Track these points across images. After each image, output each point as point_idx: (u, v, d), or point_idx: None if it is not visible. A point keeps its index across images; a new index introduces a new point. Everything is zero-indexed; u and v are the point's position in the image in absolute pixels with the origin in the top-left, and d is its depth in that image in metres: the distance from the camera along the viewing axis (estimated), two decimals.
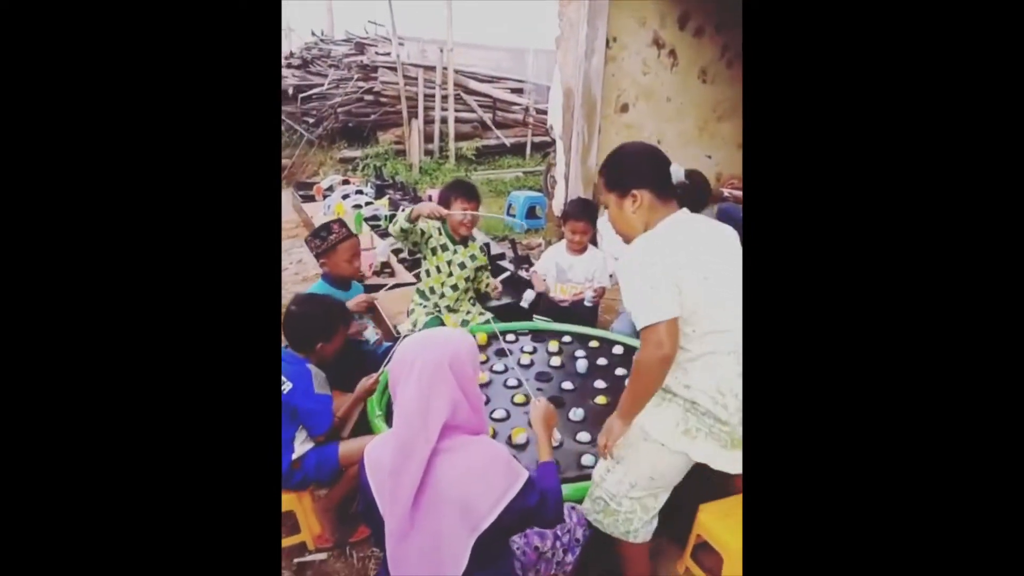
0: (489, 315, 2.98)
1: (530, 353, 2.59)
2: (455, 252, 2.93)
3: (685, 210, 1.51)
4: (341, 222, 2.55)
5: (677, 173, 1.49)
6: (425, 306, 2.96)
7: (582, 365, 2.44)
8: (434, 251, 2.93)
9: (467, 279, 2.97)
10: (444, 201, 2.92)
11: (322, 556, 1.92)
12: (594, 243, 3.36)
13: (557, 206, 5.32)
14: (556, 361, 2.51)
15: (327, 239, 2.48)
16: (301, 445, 1.92)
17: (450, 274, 2.95)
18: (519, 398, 2.19)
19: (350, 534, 2.00)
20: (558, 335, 2.82)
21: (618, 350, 2.65)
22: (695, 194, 1.53)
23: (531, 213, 6.09)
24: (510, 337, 2.79)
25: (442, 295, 2.95)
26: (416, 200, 5.76)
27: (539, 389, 2.29)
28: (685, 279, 1.38)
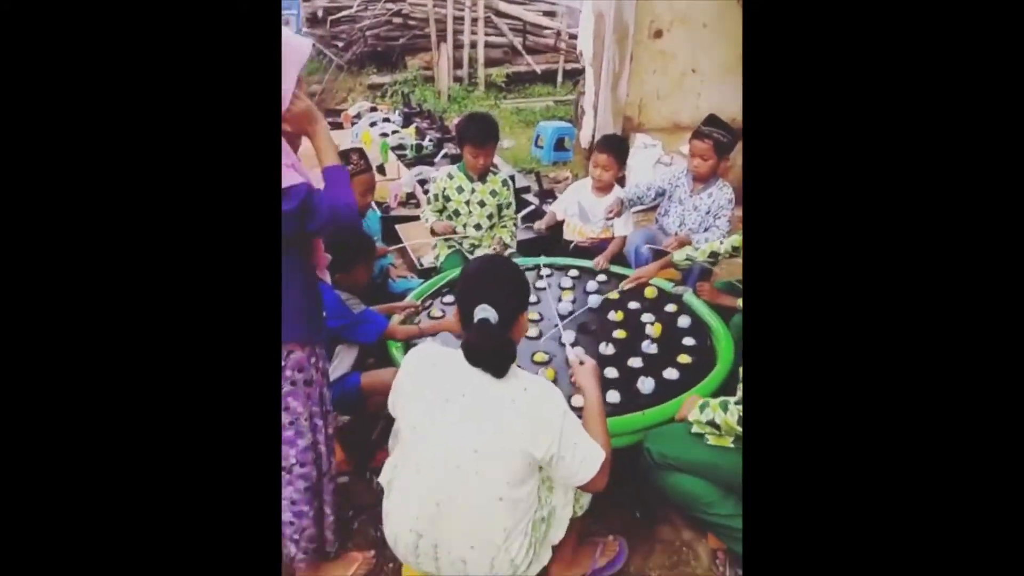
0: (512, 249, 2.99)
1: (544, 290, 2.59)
2: (473, 191, 2.91)
3: None
4: (361, 152, 2.51)
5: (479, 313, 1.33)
6: (449, 242, 2.97)
7: (595, 300, 2.44)
8: (449, 197, 2.91)
9: (489, 216, 2.96)
10: (458, 143, 2.87)
11: (344, 479, 2.05)
12: (621, 183, 3.26)
13: (585, 138, 5.19)
14: (569, 297, 2.51)
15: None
16: (334, 370, 2.01)
17: (471, 214, 2.93)
18: (539, 356, 2.08)
19: (370, 459, 2.12)
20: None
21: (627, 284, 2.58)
22: None
23: (560, 145, 5.95)
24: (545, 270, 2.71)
25: (465, 236, 2.95)
26: (443, 130, 5.68)
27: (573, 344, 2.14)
28: None
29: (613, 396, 1.88)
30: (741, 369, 1.61)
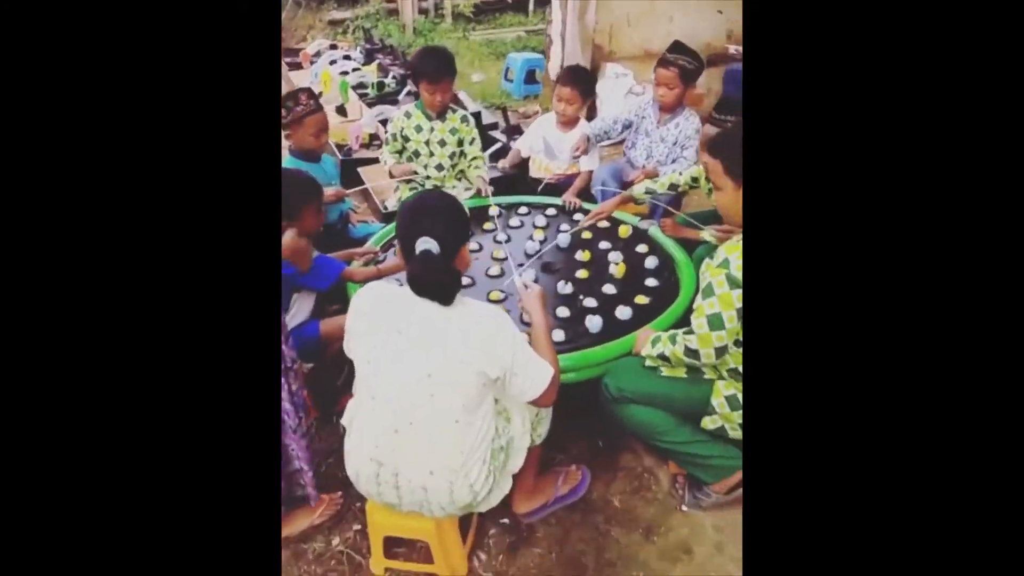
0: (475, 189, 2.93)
1: (517, 229, 2.58)
2: (432, 130, 2.82)
3: None
4: (310, 92, 2.41)
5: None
6: (411, 184, 2.90)
7: (564, 239, 2.42)
8: (408, 137, 2.82)
9: (451, 155, 2.88)
10: (413, 79, 2.76)
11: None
12: (592, 114, 3.17)
13: (553, 69, 5.03)
14: (540, 235, 2.49)
15: (293, 110, 2.34)
16: (292, 319, 2.00)
17: (431, 154, 2.85)
18: (494, 295, 2.09)
19: (335, 405, 2.14)
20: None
21: (603, 223, 2.60)
22: None
23: (531, 78, 5.75)
24: (493, 210, 2.67)
25: (427, 177, 2.88)
26: (406, 65, 5.46)
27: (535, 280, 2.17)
28: None
29: (559, 335, 1.88)
30: (697, 300, 1.62)
